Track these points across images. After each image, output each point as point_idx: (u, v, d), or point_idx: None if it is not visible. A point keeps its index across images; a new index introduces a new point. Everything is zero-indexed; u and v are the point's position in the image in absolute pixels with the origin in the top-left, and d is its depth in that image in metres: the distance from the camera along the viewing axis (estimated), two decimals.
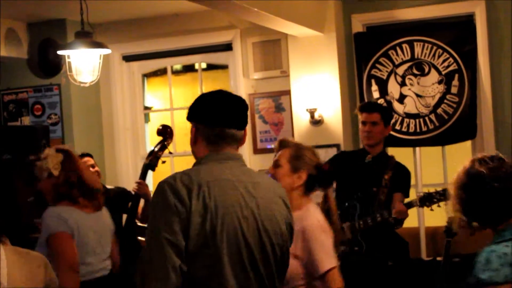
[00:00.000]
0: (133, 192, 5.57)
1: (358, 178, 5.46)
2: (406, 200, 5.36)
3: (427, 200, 5.21)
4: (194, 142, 2.81)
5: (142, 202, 5.65)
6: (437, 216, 6.72)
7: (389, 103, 6.55)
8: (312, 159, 3.67)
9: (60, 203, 4.12)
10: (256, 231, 2.67)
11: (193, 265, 2.57)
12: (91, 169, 5.93)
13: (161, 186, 2.64)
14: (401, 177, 5.44)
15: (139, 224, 5.69)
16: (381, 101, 6.69)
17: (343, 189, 5.50)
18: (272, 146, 7.01)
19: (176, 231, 2.55)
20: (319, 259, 3.44)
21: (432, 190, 5.34)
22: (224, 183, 2.66)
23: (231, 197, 2.65)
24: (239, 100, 2.85)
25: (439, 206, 5.26)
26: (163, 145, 5.76)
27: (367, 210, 5.30)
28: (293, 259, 3.23)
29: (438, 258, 5.90)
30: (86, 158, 5.96)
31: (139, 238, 5.58)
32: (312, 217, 3.54)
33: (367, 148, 5.51)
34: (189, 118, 2.85)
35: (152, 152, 5.74)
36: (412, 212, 6.66)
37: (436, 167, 6.93)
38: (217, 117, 2.77)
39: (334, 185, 5.54)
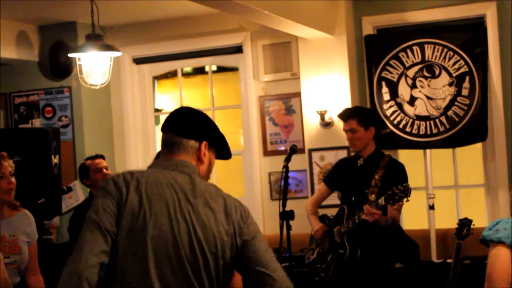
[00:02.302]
0: None
1: (352, 182, 5.48)
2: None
3: (390, 198, 5.06)
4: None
5: None
6: (448, 218, 6.72)
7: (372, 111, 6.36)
8: None
9: None
10: (186, 235, 2.64)
11: (117, 256, 2.57)
12: (104, 171, 5.93)
13: (105, 180, 2.73)
14: (394, 173, 5.36)
15: None
16: (391, 103, 6.69)
17: (343, 196, 5.58)
18: (283, 148, 7.03)
19: (107, 212, 2.60)
20: None
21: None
22: (162, 185, 2.68)
23: (166, 198, 2.66)
24: (191, 110, 2.87)
25: (402, 203, 5.12)
26: None
27: (353, 212, 5.29)
28: None
29: (449, 261, 5.89)
30: (98, 160, 5.96)
31: None
32: None
33: (360, 152, 5.52)
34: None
35: None
36: (423, 214, 6.67)
37: (446, 170, 6.92)
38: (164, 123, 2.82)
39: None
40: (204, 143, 2.78)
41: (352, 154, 5.71)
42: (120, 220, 2.59)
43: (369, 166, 5.43)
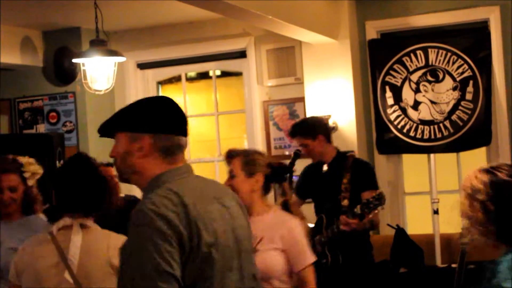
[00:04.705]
0: None
1: (322, 190, 5.47)
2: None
3: (366, 207, 5.05)
4: (144, 155, 2.44)
5: None
6: (452, 223, 6.70)
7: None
8: (263, 160, 3.85)
9: None
10: (235, 244, 2.48)
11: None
12: (115, 179, 5.90)
13: (142, 213, 2.31)
14: (362, 174, 5.38)
15: None
16: (395, 107, 6.68)
17: (316, 205, 5.55)
18: (287, 153, 7.03)
19: (174, 260, 2.26)
20: (301, 255, 3.77)
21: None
22: (202, 200, 2.41)
23: (213, 214, 2.42)
24: (177, 104, 2.55)
25: (377, 211, 5.11)
26: None
27: (332, 220, 5.23)
28: (278, 253, 3.69)
29: (453, 265, 5.88)
30: (108, 168, 5.94)
31: None
32: (291, 219, 3.86)
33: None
34: (133, 128, 2.46)
35: None
36: (427, 219, 6.66)
37: (451, 174, 6.91)
38: (176, 124, 2.49)
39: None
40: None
41: None
42: (186, 261, 2.30)
43: (334, 171, 5.42)
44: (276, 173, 3.86)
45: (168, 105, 2.51)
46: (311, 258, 3.83)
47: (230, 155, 3.85)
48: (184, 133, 2.50)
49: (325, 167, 5.49)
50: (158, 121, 2.45)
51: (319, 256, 5.33)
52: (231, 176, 3.81)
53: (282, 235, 3.74)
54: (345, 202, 5.24)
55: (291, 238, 3.76)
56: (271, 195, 4.09)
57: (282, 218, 3.85)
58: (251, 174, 3.78)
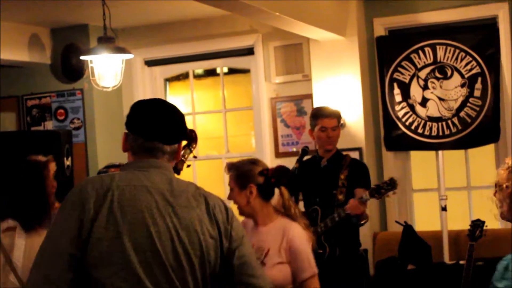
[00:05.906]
0: None
1: (317, 183, 5.51)
2: None
3: (376, 192, 5.22)
4: (124, 149, 2.75)
5: None
6: (460, 220, 6.70)
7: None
8: (254, 170, 3.86)
9: None
10: (169, 241, 2.49)
11: (100, 270, 2.43)
12: None
13: (74, 188, 2.55)
14: (358, 172, 5.47)
15: None
16: (403, 104, 6.68)
17: (305, 198, 5.57)
18: (294, 149, 7.02)
19: (73, 226, 2.44)
20: (301, 266, 3.75)
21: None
22: (136, 188, 2.53)
23: (141, 202, 2.50)
24: (171, 112, 2.73)
25: (387, 196, 5.30)
26: (188, 149, 5.75)
27: (327, 213, 5.33)
28: (283, 266, 3.70)
29: (461, 262, 5.87)
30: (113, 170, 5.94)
31: None
32: (293, 228, 3.83)
33: (322, 153, 5.56)
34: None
35: None
36: (435, 215, 6.65)
37: (459, 171, 6.90)
38: (141, 128, 2.70)
39: (301, 196, 5.57)
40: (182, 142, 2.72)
41: (299, 156, 5.70)
42: (89, 238, 2.43)
43: (333, 167, 5.50)
44: (270, 181, 3.85)
45: (146, 110, 2.75)
46: (311, 269, 3.80)
47: (228, 169, 3.94)
48: (152, 138, 2.67)
49: (324, 162, 5.54)
50: (129, 122, 2.74)
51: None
52: (231, 189, 3.89)
53: (285, 247, 3.77)
54: (341, 197, 5.34)
55: (293, 249, 3.78)
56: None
57: (285, 228, 3.84)
58: (244, 186, 3.83)
